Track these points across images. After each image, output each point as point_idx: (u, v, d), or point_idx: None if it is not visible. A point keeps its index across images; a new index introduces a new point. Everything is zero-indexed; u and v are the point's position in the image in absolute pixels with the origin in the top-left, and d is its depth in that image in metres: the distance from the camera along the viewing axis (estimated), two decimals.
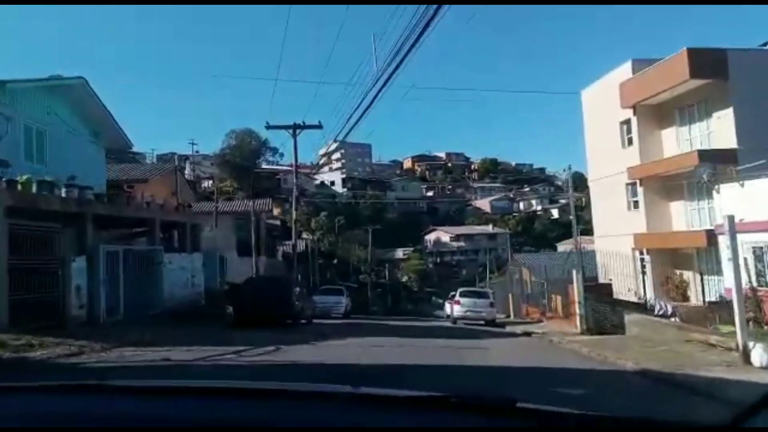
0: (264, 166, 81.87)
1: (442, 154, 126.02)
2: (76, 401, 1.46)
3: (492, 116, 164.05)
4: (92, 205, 13.50)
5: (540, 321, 22.37)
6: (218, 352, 9.70)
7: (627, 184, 23.53)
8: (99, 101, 17.28)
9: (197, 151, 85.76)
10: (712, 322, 12.94)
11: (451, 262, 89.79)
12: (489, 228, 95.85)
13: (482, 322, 21.95)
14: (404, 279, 75.70)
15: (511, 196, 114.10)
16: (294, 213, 24.02)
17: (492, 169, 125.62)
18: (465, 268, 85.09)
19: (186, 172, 70.61)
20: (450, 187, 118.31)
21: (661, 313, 16.73)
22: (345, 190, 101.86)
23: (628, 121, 23.20)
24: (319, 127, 23.85)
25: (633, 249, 23.04)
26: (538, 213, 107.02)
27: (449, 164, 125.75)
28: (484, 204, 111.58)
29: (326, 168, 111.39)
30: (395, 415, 1.35)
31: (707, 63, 18.78)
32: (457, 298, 22.32)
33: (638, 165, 22.08)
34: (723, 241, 15.51)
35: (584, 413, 1.29)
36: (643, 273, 22.97)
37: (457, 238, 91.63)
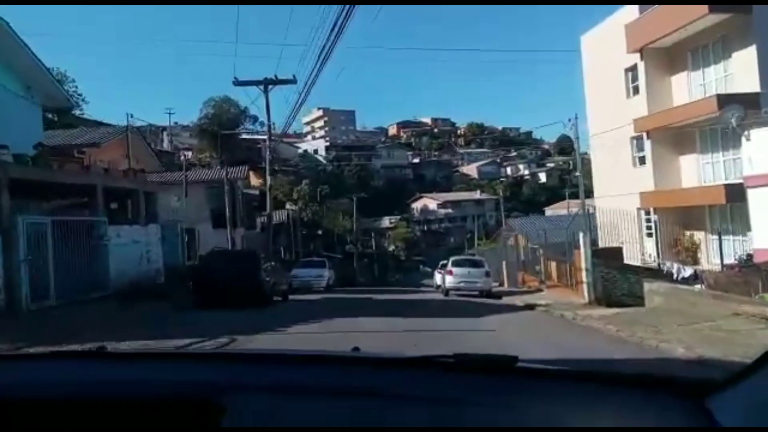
0: (244, 135, 78.90)
1: (428, 120, 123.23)
2: (75, 368, 1.48)
3: (477, 79, 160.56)
4: (8, 168, 11.09)
5: (539, 290, 20.53)
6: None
7: (632, 138, 21.48)
8: (26, 48, 14.64)
9: (176, 123, 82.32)
10: (751, 289, 11.02)
11: (438, 229, 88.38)
12: (476, 194, 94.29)
13: (476, 293, 20.03)
14: (391, 248, 73.97)
15: (498, 161, 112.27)
16: (268, 178, 21.67)
17: (478, 133, 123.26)
18: (453, 236, 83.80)
19: (164, 143, 67.59)
20: (436, 153, 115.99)
21: (681, 278, 14.86)
22: (329, 158, 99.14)
23: (634, 68, 20.99)
24: (293, 81, 21.36)
25: (638, 209, 21.16)
26: (526, 178, 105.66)
27: (435, 130, 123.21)
28: (471, 169, 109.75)
29: (309, 137, 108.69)
30: (393, 375, 1.37)
31: None
32: (449, 267, 20.21)
33: (646, 116, 19.98)
34: (755, 195, 13.62)
35: (583, 369, 1.42)
36: (649, 235, 21.18)
37: (444, 204, 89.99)
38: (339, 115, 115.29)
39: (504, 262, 27.91)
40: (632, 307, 13.97)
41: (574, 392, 1.22)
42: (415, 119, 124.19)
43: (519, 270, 24.92)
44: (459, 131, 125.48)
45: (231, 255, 14.96)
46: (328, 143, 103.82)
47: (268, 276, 14.12)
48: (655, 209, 20.72)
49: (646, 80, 20.30)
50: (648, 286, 12.46)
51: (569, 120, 16.96)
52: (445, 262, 23.91)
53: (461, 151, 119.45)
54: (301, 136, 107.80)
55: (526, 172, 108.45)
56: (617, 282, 15.59)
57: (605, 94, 23.10)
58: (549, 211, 59.92)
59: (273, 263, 15.98)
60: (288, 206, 54.39)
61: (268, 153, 21.43)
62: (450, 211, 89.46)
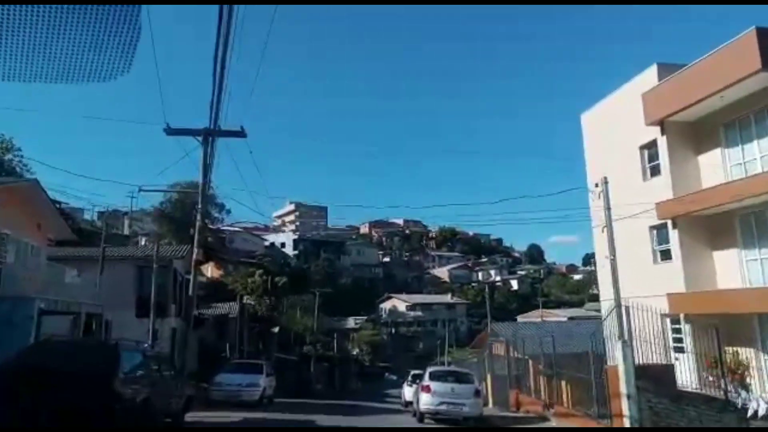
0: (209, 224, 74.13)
1: (400, 221, 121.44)
2: None
3: (448, 187, 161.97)
4: None
5: (543, 418, 15.40)
6: None
7: (652, 228, 17.62)
8: None
9: (141, 208, 78.07)
10: None
11: (407, 333, 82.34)
12: (448, 297, 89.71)
13: (461, 419, 14.70)
14: (355, 351, 67.33)
15: (470, 265, 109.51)
16: (195, 250, 16.80)
17: (450, 237, 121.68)
18: (422, 341, 77.93)
19: (125, 228, 62.96)
20: (407, 254, 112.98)
21: (762, 416, 10.12)
22: (296, 252, 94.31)
23: (652, 144, 17.62)
24: (242, 134, 17.20)
25: (664, 315, 16.75)
26: (497, 284, 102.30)
27: (407, 231, 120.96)
28: (442, 273, 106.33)
29: (278, 230, 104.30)
30: None
31: None
32: (426, 381, 14.76)
33: (673, 199, 16.25)
34: None
35: None
36: (679, 349, 16.65)
37: (414, 307, 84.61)
38: (311, 211, 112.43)
39: (489, 376, 22.72)
40: None
41: None
42: (386, 219, 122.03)
43: (510, 387, 19.73)
44: (430, 234, 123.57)
45: (70, 349, 9.25)
46: (296, 236, 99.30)
47: (140, 385, 8.75)
48: (686, 316, 16.39)
49: (669, 158, 16.81)
50: None
51: (596, 185, 12.88)
52: (418, 372, 18.64)
53: (432, 253, 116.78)
54: (270, 228, 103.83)
55: (498, 278, 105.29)
56: (671, 417, 10.79)
57: (614, 178, 19.51)
58: (521, 319, 55.89)
59: (153, 366, 10.26)
60: (247, 300, 48.59)
61: (198, 217, 16.75)
62: (420, 314, 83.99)
